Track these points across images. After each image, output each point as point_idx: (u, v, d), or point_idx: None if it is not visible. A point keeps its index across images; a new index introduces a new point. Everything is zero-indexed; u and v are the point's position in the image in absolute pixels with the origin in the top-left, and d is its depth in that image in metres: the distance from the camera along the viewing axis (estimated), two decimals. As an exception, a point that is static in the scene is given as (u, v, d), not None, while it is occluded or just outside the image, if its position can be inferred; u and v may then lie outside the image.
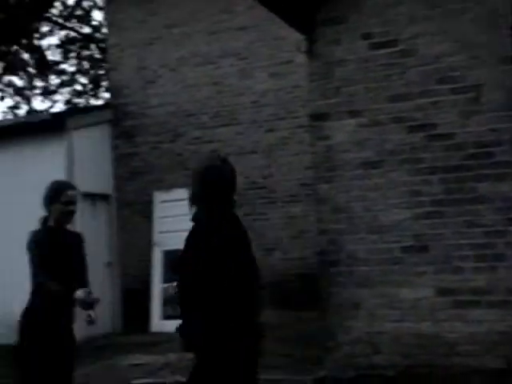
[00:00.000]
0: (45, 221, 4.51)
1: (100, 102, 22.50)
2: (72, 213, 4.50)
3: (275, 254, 10.88)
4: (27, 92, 23.29)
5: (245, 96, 11.15)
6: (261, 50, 11.10)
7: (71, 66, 23.20)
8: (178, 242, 11.85)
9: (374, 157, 5.69)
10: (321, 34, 5.84)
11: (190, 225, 11.44)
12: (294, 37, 8.03)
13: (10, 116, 22.86)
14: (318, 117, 5.90)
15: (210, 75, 11.40)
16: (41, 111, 23.21)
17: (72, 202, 4.48)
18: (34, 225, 10.67)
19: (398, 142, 5.59)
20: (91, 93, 23.39)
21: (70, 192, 4.50)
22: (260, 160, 11.05)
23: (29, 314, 4.30)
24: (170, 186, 11.53)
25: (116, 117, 12.06)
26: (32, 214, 11.23)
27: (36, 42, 22.43)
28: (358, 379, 5.50)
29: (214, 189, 3.49)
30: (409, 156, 5.55)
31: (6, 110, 24.82)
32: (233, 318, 3.33)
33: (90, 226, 11.01)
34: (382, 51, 5.63)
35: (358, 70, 5.70)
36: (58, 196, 4.47)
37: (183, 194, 11.43)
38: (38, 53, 22.23)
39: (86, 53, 23.07)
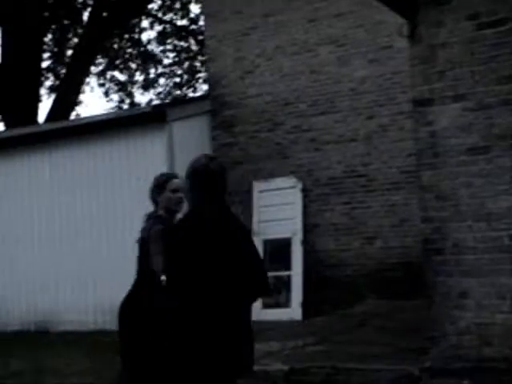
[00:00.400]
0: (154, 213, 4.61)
1: (198, 94, 22.88)
2: (180, 200, 4.57)
3: (376, 243, 10.74)
4: (129, 86, 23.95)
5: (343, 83, 11.03)
6: (359, 35, 10.93)
7: (169, 58, 23.70)
8: (277, 231, 12.02)
9: (480, 142, 5.49)
10: (423, 16, 5.67)
11: (289, 213, 11.49)
12: (393, 21, 7.85)
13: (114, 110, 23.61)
14: (421, 102, 5.75)
15: (307, 63, 11.34)
16: (139, 104, 23.84)
17: (179, 190, 4.57)
18: (138, 215, 10.93)
19: (506, 126, 5.36)
20: (189, 84, 23.81)
21: (175, 180, 4.65)
22: (359, 148, 10.91)
23: (133, 300, 4.41)
24: (268, 176, 11.58)
25: (215, 107, 12.21)
26: (135, 204, 11.59)
27: (137, 37, 23.01)
28: (466, 371, 5.35)
29: (196, 187, 3.70)
30: (518, 140, 5.32)
31: (110, 104, 25.66)
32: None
33: (192, 216, 11.21)
34: (489, 31, 5.41)
35: (462, 52, 5.50)
36: (165, 185, 4.58)
37: (282, 183, 11.49)
38: (140, 47, 22.80)
39: (183, 45, 23.49)
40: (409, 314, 8.73)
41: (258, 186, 11.63)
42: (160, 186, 4.64)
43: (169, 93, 24.10)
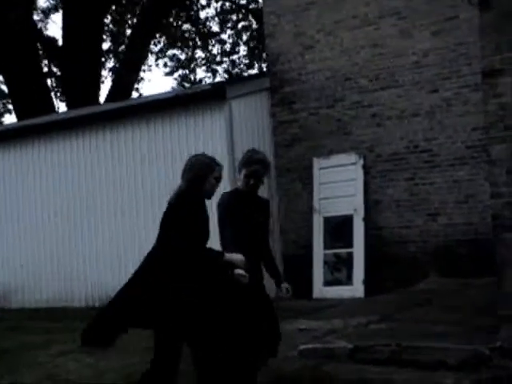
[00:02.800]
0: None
1: (257, 71, 22.79)
2: (255, 185, 4.79)
3: (440, 220, 10.52)
4: (190, 64, 24.04)
5: (405, 57, 10.78)
6: (422, 7, 10.65)
7: (229, 36, 23.66)
8: (338, 208, 11.93)
9: (553, 114, 5.27)
10: (494, -18, 5.44)
11: (350, 190, 11.42)
12: (460, -10, 7.60)
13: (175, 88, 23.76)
14: (491, 73, 5.54)
15: (368, 37, 11.12)
16: (198, 82, 23.89)
17: (254, 177, 4.77)
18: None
19: None
20: (249, 62, 23.74)
21: (254, 166, 4.77)
22: (422, 123, 10.68)
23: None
24: (329, 152, 11.46)
25: (274, 84, 12.11)
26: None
27: (195, 14, 23.03)
28: (539, 351, 5.18)
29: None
30: None
31: (173, 82, 25.83)
32: None
33: (252, 193, 11.20)
34: None
35: (537, 19, 5.27)
36: (244, 167, 4.79)
37: (343, 159, 11.36)
38: (198, 24, 22.82)
39: (243, 23, 23.40)
40: (475, 292, 8.54)
41: (318, 162, 11.52)
42: (243, 162, 4.83)
43: (227, 71, 24.10)
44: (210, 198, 4.58)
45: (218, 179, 4.59)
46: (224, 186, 11.03)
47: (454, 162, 10.44)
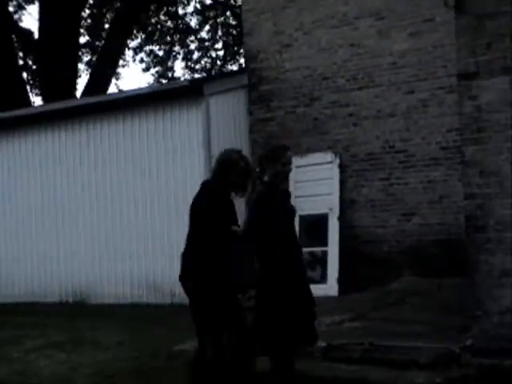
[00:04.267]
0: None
1: (235, 68, 22.76)
2: (288, 173, 4.83)
3: (414, 219, 10.60)
4: (167, 60, 23.93)
5: (383, 57, 10.83)
6: (400, 8, 10.69)
7: (207, 33, 23.61)
8: (314, 206, 11.93)
9: (527, 117, 5.33)
10: (470, -15, 5.50)
11: (326, 189, 11.46)
12: (437, -7, 7.66)
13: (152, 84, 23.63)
14: (467, 75, 5.59)
15: (346, 37, 11.16)
16: (175, 78, 23.81)
17: (288, 163, 4.78)
18: (174, 188, 11.03)
19: (555, 100, 5.20)
20: (226, 59, 23.70)
21: (288, 153, 4.81)
22: (398, 123, 10.74)
23: None
24: (305, 151, 11.48)
25: (252, 82, 12.11)
26: (172, 177, 11.62)
27: (174, 10, 22.94)
28: (508, 351, 5.25)
29: None
30: None
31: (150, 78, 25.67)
32: None
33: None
34: (541, 1, 5.23)
35: (512, 22, 5.33)
36: (280, 157, 4.71)
37: (319, 158, 11.39)
38: (177, 20, 22.73)
39: (221, 20, 23.35)
40: (448, 292, 8.63)
41: (294, 161, 11.43)
42: (272, 157, 4.75)
43: (204, 68, 24.05)
44: (238, 193, 4.74)
45: (247, 175, 4.78)
46: (200, 180, 11.04)
47: (429, 162, 10.52)
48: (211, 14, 23.20)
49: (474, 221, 5.63)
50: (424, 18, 10.46)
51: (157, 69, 24.50)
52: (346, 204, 11.08)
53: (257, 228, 4.43)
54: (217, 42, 23.73)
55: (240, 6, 14.58)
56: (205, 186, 4.79)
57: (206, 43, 23.79)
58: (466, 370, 5.36)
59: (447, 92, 10.23)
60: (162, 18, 23.24)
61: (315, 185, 11.24)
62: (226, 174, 4.69)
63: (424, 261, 10.35)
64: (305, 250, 11.06)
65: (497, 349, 5.35)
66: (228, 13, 22.95)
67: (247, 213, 4.48)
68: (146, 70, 24.45)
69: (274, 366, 4.56)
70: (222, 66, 23.73)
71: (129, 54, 24.24)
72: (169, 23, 23.48)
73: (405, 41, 10.65)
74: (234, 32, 22.72)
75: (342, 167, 11.13)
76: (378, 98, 10.90)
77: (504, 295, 5.42)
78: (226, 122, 11.64)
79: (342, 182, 11.12)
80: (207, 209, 4.58)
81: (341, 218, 10.97)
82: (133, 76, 53.38)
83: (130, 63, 45.03)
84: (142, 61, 24.22)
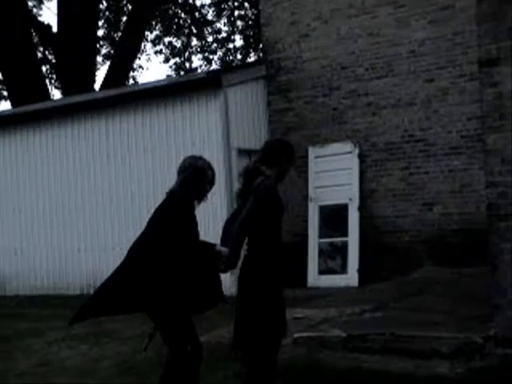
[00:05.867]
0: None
1: (253, 59, 22.71)
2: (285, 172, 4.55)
3: (435, 209, 10.53)
4: (185, 51, 23.95)
5: (402, 46, 10.75)
6: (419, -4, 10.60)
7: (224, 24, 23.57)
8: (333, 197, 11.91)
9: (550, 103, 5.25)
10: (492, -29, 5.41)
11: (345, 179, 11.41)
12: (457, -21, 7.56)
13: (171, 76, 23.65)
14: (488, 62, 5.51)
15: (365, 26, 11.08)
16: (194, 70, 23.80)
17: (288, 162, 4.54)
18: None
19: None
20: (245, 50, 23.66)
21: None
22: (418, 112, 10.66)
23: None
24: (324, 141, 11.44)
25: (270, 73, 12.07)
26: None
27: (191, 2, 22.92)
28: (532, 340, 5.20)
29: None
30: None
31: (169, 70, 25.70)
32: None
33: (249, 182, 11.19)
34: None
35: (534, 7, 5.24)
36: (292, 157, 4.52)
37: (338, 148, 11.34)
38: (194, 12, 22.70)
39: (239, 12, 23.29)
40: (469, 281, 8.56)
41: (313, 151, 11.51)
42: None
43: (223, 59, 24.02)
44: (200, 201, 4.57)
45: (211, 184, 4.59)
46: (219, 172, 11.02)
47: (450, 151, 10.44)
48: (228, 4, 23.14)
49: (496, 209, 5.57)
50: (443, 5, 10.36)
51: (175, 60, 24.53)
52: (365, 194, 11.03)
53: (251, 224, 4.30)
54: (234, 33, 23.69)
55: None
56: (173, 194, 4.50)
57: (224, 34, 23.76)
58: (488, 360, 5.32)
59: (468, 80, 10.13)
60: (179, 10, 23.21)
61: (335, 175, 11.20)
62: (193, 183, 4.53)
63: (445, 250, 10.28)
64: (325, 240, 11.16)
65: (520, 338, 5.30)
66: (246, 4, 22.88)
67: (247, 208, 4.34)
68: (166, 61, 24.49)
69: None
70: (243, 57, 23.68)
71: (150, 47, 24.19)
72: (185, 15, 23.45)
73: (424, 28, 10.55)
74: (252, 23, 22.67)
75: (361, 157, 11.07)
76: (397, 87, 10.82)
77: (527, 284, 5.36)
78: (244, 113, 11.62)
79: (362, 172, 11.07)
80: (174, 217, 4.37)
81: (361, 208, 10.92)
82: (153, 69, 53.41)
83: (152, 56, 44.90)
84: (160, 52, 24.26)
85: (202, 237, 4.65)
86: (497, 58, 5.43)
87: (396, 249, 10.68)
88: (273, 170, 4.41)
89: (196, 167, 4.57)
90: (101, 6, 21.84)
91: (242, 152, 11.30)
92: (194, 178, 4.51)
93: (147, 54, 25.36)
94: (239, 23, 23.59)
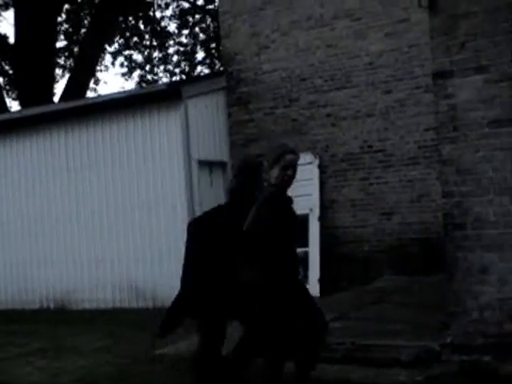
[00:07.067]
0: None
1: (214, 71, 22.74)
2: (291, 177, 4.53)
3: (394, 219, 10.67)
4: (146, 64, 23.87)
5: (360, 58, 10.91)
6: (375, 9, 10.79)
7: (186, 37, 23.57)
8: (295, 207, 11.91)
9: (502, 115, 5.37)
10: (444, -14, 5.54)
11: (306, 189, 11.43)
12: (412, -7, 7.71)
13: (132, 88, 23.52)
14: (442, 74, 5.63)
15: (323, 38, 11.21)
16: (156, 82, 23.75)
17: (291, 166, 4.50)
18: (154, 192, 10.96)
19: (529, 98, 5.25)
20: (205, 62, 23.67)
21: (288, 156, 4.49)
22: (377, 123, 10.81)
23: None
24: (285, 152, 11.49)
25: (230, 84, 12.12)
26: (151, 181, 11.56)
27: (152, 15, 22.87)
28: (487, 347, 5.29)
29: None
30: (543, 112, 5.21)
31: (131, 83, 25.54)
32: None
33: (207, 194, 11.20)
34: (513, 0, 5.28)
35: (485, 22, 5.36)
36: (278, 160, 4.46)
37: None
38: (154, 24, 22.65)
39: (200, 25, 23.32)
40: (428, 290, 8.67)
41: (274, 162, 11.54)
42: (273, 160, 4.50)
43: (183, 71, 24.01)
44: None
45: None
46: (179, 183, 10.95)
47: (408, 161, 10.60)
48: (189, 18, 23.17)
49: (452, 219, 5.67)
50: (399, 18, 10.55)
51: (138, 73, 24.45)
52: (326, 204, 11.12)
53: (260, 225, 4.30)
54: (195, 45, 23.71)
55: (217, 8, 14.58)
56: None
57: (185, 47, 23.76)
58: (446, 367, 5.40)
59: (424, 91, 10.32)
60: (139, 22, 23.15)
61: (295, 186, 11.09)
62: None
63: (404, 259, 10.41)
64: (286, 251, 11.18)
65: (476, 345, 5.40)
66: (207, 17, 22.94)
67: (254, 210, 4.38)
68: (127, 74, 24.38)
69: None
70: (209, 69, 23.70)
71: (109, 59, 24.03)
72: (146, 27, 23.40)
73: (381, 41, 10.73)
74: (212, 35, 22.72)
75: (321, 168, 11.17)
76: (355, 98, 10.96)
77: (483, 292, 5.46)
78: (205, 124, 11.64)
79: (322, 183, 11.17)
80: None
81: (321, 219, 11.01)
82: (113, 82, 53.13)
83: (112, 68, 44.69)
84: (122, 65, 24.15)
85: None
86: (450, 71, 5.55)
87: (356, 258, 10.79)
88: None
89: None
90: (59, 18, 21.64)
91: (203, 163, 11.31)
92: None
93: (104, 66, 25.19)
94: (202, 36, 23.62)
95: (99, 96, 19.60)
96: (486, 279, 5.45)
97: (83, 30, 22.76)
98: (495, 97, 5.39)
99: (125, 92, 13.47)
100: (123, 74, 24.57)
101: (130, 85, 25.67)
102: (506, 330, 5.31)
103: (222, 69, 14.17)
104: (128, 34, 23.26)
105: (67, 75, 22.75)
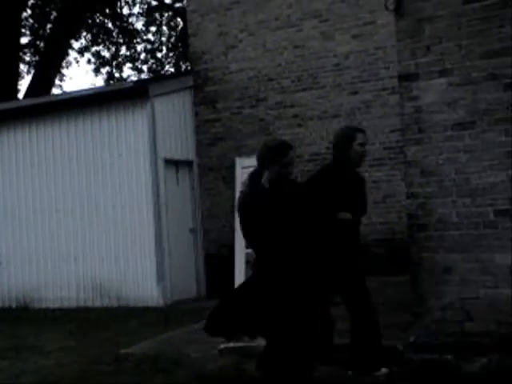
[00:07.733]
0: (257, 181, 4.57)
1: (181, 69, 22.67)
2: (291, 173, 4.61)
3: (359, 219, 10.72)
4: (113, 61, 23.65)
5: (327, 59, 10.96)
6: (342, 11, 10.85)
7: (153, 34, 23.45)
8: (260, 207, 11.83)
9: (466, 117, 5.45)
10: (410, -11, 5.60)
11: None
12: (378, -5, 7.77)
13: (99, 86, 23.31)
14: (407, 77, 5.69)
15: (290, 38, 11.25)
16: (124, 79, 23.61)
17: (291, 164, 4.56)
18: (119, 190, 10.87)
19: (492, 101, 5.33)
20: (172, 60, 23.57)
21: (290, 153, 4.57)
22: (343, 124, 10.86)
23: None
24: (251, 152, 11.48)
25: (197, 83, 12.09)
26: (117, 180, 11.49)
27: (119, 11, 22.69)
28: (449, 346, 5.37)
29: None
30: (504, 115, 5.28)
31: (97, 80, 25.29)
32: None
33: (174, 193, 11.17)
34: (477, 5, 5.34)
35: (449, 26, 5.43)
36: (280, 157, 4.48)
37: (265, 159, 11.42)
38: (122, 21, 22.48)
39: (167, 21, 23.22)
40: (392, 290, 8.76)
41: (240, 162, 11.55)
42: (273, 156, 4.55)
43: (151, 69, 23.88)
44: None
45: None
46: (146, 182, 10.90)
47: (373, 162, 10.67)
48: (158, 15, 23.06)
49: (415, 219, 5.74)
50: (366, 20, 10.64)
51: (105, 70, 24.22)
52: (292, 204, 11.13)
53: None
54: (163, 43, 23.60)
55: (185, 6, 14.53)
56: None
57: (152, 45, 23.64)
58: (408, 365, 5.46)
59: (390, 93, 10.41)
60: (107, 19, 22.96)
61: (262, 185, 11.26)
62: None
63: (369, 260, 10.47)
64: (251, 251, 11.16)
65: (439, 344, 5.47)
66: (174, 14, 22.85)
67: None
68: (95, 71, 24.15)
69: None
70: (175, 67, 23.59)
71: (75, 55, 23.83)
72: (113, 24, 23.21)
73: (348, 43, 10.80)
74: (182, 34, 22.63)
75: (287, 168, 11.17)
76: (322, 99, 11.02)
77: (446, 292, 5.54)
78: (171, 123, 11.60)
79: (288, 183, 11.17)
80: None
81: (287, 219, 11.02)
82: (80, 79, 52.57)
83: (75, 65, 44.20)
84: (89, 61, 23.92)
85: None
86: (415, 73, 5.62)
87: (321, 258, 10.82)
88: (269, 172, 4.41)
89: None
90: (24, 13, 21.34)
91: (169, 162, 11.28)
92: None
93: (73, 63, 24.98)
94: (169, 33, 23.52)
95: (65, 93, 19.41)
96: (448, 279, 5.53)
97: (49, 26, 22.48)
98: (459, 100, 5.46)
99: (91, 89, 13.36)
100: (93, 70, 24.33)
101: (99, 81, 25.37)
102: (467, 329, 5.40)
103: (189, 68, 14.13)
104: (95, 31, 23.03)
105: (32, 71, 22.44)
